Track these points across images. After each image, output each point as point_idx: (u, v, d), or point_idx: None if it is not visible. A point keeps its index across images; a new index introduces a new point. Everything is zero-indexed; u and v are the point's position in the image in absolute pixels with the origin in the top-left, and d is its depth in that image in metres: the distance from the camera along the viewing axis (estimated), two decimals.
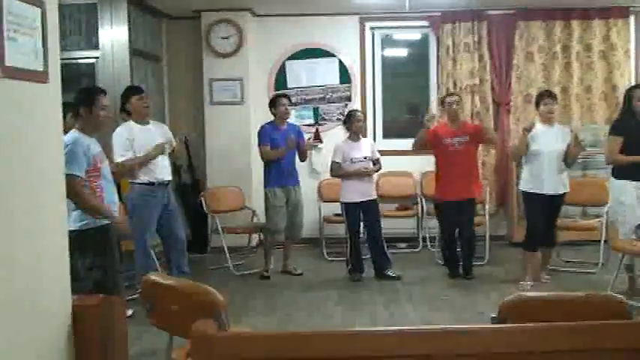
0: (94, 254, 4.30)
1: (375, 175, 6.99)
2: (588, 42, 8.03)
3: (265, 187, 6.86)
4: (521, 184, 6.46)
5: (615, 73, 7.99)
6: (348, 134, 6.80)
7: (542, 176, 6.20)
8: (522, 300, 2.62)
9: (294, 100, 8.04)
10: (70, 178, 4.08)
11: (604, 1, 7.77)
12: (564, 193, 6.32)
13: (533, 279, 6.37)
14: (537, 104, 6.36)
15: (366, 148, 6.74)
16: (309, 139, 7.04)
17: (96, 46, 6.86)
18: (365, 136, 7.16)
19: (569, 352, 2.13)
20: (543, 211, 6.28)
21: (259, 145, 6.83)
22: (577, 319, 2.32)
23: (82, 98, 4.44)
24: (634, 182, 5.80)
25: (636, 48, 8.15)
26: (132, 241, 5.71)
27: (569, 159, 6.22)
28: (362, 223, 6.77)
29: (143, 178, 5.73)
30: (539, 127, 6.28)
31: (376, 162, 6.76)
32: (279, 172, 6.77)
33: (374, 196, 6.76)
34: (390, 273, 6.70)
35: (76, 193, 4.15)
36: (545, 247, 6.46)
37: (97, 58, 6.87)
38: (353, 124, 6.70)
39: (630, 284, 5.95)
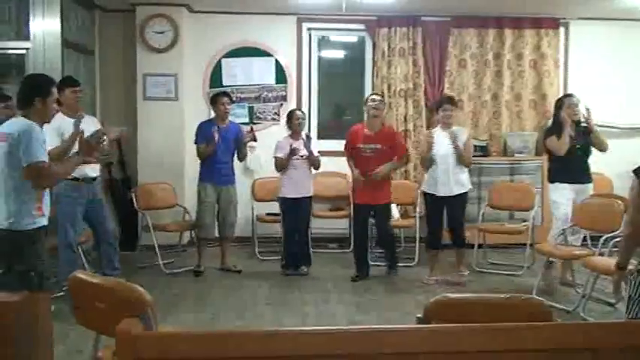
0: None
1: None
2: (519, 51, 8.23)
3: (198, 182, 6.93)
4: (422, 185, 6.76)
5: (545, 82, 8.22)
6: (290, 132, 6.89)
7: (437, 178, 6.50)
8: (447, 301, 2.68)
9: None
10: (41, 165, 3.98)
11: (535, 11, 7.99)
12: (463, 193, 6.59)
13: (439, 275, 6.66)
14: (437, 110, 6.64)
15: (303, 145, 6.80)
16: (247, 140, 6.99)
17: (27, 37, 6.67)
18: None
19: (491, 352, 2.18)
20: (440, 211, 6.58)
21: (195, 142, 6.89)
22: (500, 320, 2.38)
23: (38, 88, 4.19)
24: (567, 185, 6.22)
25: (565, 58, 8.41)
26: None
27: (460, 159, 6.47)
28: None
29: None
30: (439, 132, 6.54)
31: (310, 154, 6.79)
32: (211, 169, 6.82)
33: (308, 194, 6.87)
34: (301, 270, 6.87)
35: (53, 174, 4.12)
36: (455, 247, 6.71)
37: (28, 49, 6.67)
38: (292, 122, 6.84)
39: (546, 281, 6.22)
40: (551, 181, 6.40)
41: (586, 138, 6.25)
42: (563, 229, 6.14)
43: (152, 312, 2.64)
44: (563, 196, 6.24)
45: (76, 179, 5.67)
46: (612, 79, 8.32)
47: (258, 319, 5.50)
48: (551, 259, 6.21)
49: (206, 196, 6.85)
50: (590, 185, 6.37)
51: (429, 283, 6.55)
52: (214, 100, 6.94)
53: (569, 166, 6.22)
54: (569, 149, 6.17)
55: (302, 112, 7.18)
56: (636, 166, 3.24)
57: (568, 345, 2.22)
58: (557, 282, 6.41)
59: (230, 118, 7.73)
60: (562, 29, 8.34)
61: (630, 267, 3.26)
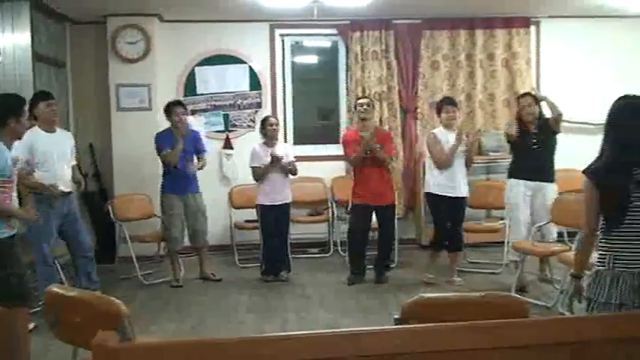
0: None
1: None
2: (491, 51, 8.29)
3: (161, 193, 6.83)
4: (432, 188, 6.62)
5: (517, 81, 8.27)
6: (264, 140, 6.84)
7: (454, 180, 6.49)
8: (424, 301, 2.69)
9: (203, 106, 8.00)
10: None
11: (506, 11, 8.05)
12: (465, 195, 6.66)
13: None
14: (439, 111, 6.60)
15: (280, 152, 6.77)
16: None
17: None
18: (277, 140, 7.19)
19: (469, 350, 2.19)
20: (450, 212, 6.58)
21: (158, 153, 6.77)
22: (477, 318, 2.39)
23: (12, 109, 4.22)
24: (521, 181, 6.25)
25: (537, 57, 8.49)
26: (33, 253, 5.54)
27: (467, 162, 6.57)
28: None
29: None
30: (443, 133, 6.53)
31: (290, 164, 6.79)
32: (175, 178, 6.72)
33: (287, 201, 6.84)
34: (281, 276, 6.85)
35: None
36: (453, 250, 6.71)
37: None
38: (266, 129, 6.78)
39: (519, 279, 6.25)
40: (509, 177, 6.45)
41: (546, 131, 6.20)
42: (538, 226, 6.16)
43: (129, 324, 2.62)
44: (517, 196, 6.25)
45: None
46: (584, 76, 8.38)
47: (240, 327, 5.48)
48: (515, 258, 6.31)
49: (172, 208, 6.73)
50: (550, 185, 6.24)
51: (430, 282, 6.57)
52: (168, 111, 6.76)
53: (526, 162, 6.18)
54: (526, 145, 6.16)
55: (275, 118, 7.17)
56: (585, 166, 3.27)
57: (550, 340, 2.23)
58: (529, 279, 6.47)
59: (205, 126, 7.74)
60: (533, 28, 8.41)
61: (591, 261, 3.28)
